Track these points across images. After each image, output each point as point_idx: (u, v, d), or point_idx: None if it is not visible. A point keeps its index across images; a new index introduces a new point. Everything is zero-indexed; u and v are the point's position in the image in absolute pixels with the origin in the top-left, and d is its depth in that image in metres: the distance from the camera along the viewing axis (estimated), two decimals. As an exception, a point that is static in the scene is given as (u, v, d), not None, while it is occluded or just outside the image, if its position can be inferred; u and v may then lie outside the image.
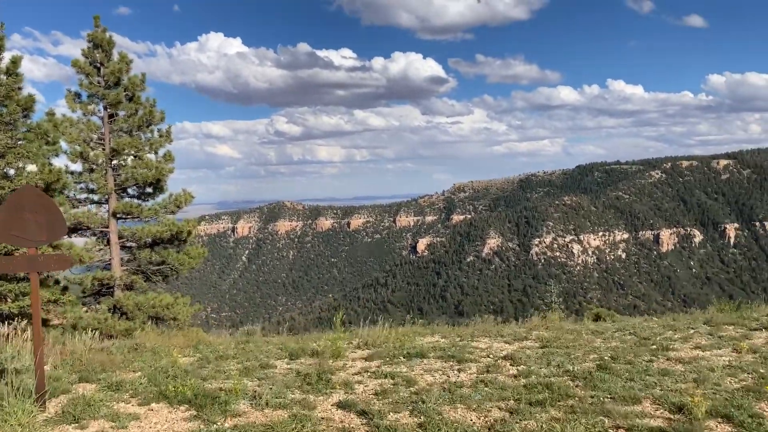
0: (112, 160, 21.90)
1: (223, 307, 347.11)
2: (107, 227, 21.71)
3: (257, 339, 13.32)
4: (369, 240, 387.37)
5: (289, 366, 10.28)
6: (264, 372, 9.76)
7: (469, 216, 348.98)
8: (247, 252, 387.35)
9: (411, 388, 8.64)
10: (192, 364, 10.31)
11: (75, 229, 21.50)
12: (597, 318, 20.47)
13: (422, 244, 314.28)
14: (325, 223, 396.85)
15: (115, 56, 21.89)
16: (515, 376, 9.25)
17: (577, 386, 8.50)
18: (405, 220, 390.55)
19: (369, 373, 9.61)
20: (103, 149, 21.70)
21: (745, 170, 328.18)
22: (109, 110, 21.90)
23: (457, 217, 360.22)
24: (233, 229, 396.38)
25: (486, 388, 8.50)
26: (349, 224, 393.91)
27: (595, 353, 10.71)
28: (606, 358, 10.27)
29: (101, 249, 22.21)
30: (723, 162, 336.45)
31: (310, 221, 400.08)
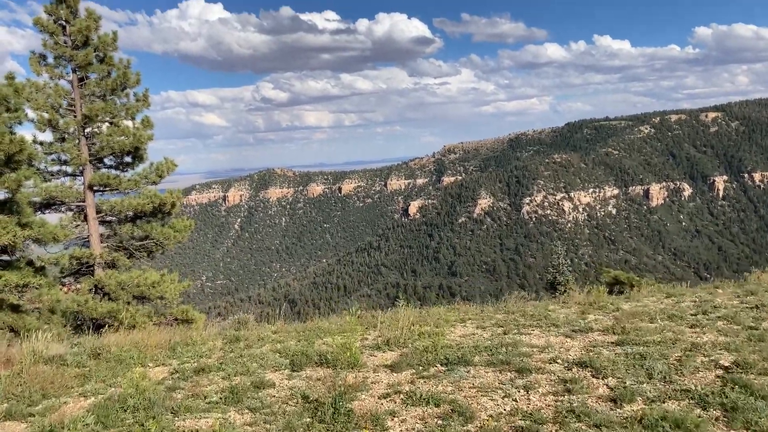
0: (84, 128, 20.04)
1: (217, 275, 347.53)
2: (83, 201, 19.99)
3: (250, 334, 11.00)
4: (361, 204, 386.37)
5: (291, 383, 7.95)
6: (258, 396, 7.36)
7: (460, 177, 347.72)
8: (239, 220, 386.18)
9: (469, 426, 6.23)
10: (163, 381, 8.00)
11: (48, 205, 19.79)
12: (615, 282, 19.14)
13: (414, 206, 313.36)
14: (317, 188, 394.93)
15: (82, 13, 19.85)
16: (613, 401, 6.82)
17: (718, 421, 5.97)
18: (396, 183, 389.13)
19: (402, 396, 7.20)
20: (75, 116, 19.81)
21: (734, 122, 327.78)
22: (78, 73, 19.94)
23: (447, 179, 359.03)
24: (224, 198, 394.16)
25: (582, 426, 5.99)
26: (340, 189, 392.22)
27: (701, 354, 8.36)
28: (725, 363, 7.81)
29: (78, 225, 20.53)
30: (711, 115, 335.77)
31: (301, 188, 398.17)
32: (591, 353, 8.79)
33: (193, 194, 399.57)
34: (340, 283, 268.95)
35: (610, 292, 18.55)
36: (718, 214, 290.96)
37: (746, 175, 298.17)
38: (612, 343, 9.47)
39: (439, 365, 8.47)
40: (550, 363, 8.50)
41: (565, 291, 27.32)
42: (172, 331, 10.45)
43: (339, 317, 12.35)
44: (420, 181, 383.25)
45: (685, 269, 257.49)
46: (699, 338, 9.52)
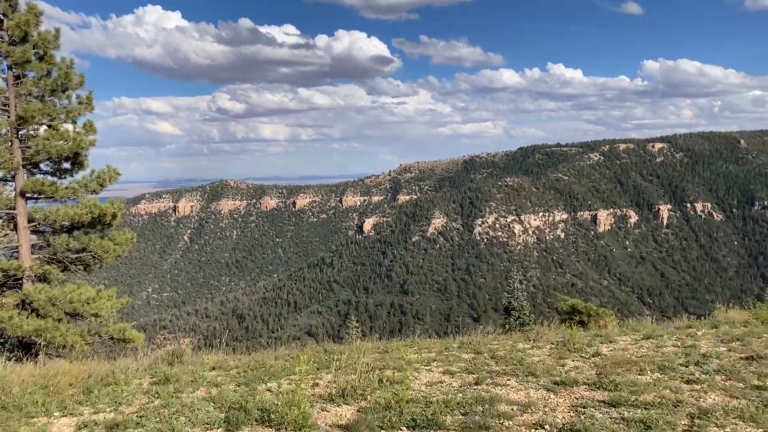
0: (18, 130, 18.55)
1: (164, 287, 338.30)
2: (14, 208, 18.46)
3: (184, 371, 9.25)
4: (315, 220, 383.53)
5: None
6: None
7: (415, 196, 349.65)
8: (189, 231, 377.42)
9: None
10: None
11: (-27, 211, 18.19)
12: (572, 311, 18.68)
13: (368, 223, 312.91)
14: (270, 202, 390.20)
15: (23, 6, 18.46)
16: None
17: None
18: (351, 200, 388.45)
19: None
20: (8, 116, 18.33)
21: (678, 154, 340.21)
22: (14, 70, 18.48)
23: (403, 198, 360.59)
24: (175, 208, 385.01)
25: None
26: (294, 204, 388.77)
27: (713, 424, 7.41)
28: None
29: (7, 234, 18.93)
30: (658, 145, 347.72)
31: (254, 200, 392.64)
32: (582, 417, 7.80)
33: (143, 203, 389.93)
34: (291, 299, 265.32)
35: (566, 321, 18.04)
36: (661, 242, 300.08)
37: (689, 205, 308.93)
38: (604, 402, 8.48)
39: (404, 428, 7.27)
40: (536, 429, 7.47)
41: (519, 317, 26.97)
42: (93, 365, 8.94)
43: (287, 349, 11.12)
44: (375, 199, 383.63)
45: (629, 294, 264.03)
46: (703, 400, 8.63)
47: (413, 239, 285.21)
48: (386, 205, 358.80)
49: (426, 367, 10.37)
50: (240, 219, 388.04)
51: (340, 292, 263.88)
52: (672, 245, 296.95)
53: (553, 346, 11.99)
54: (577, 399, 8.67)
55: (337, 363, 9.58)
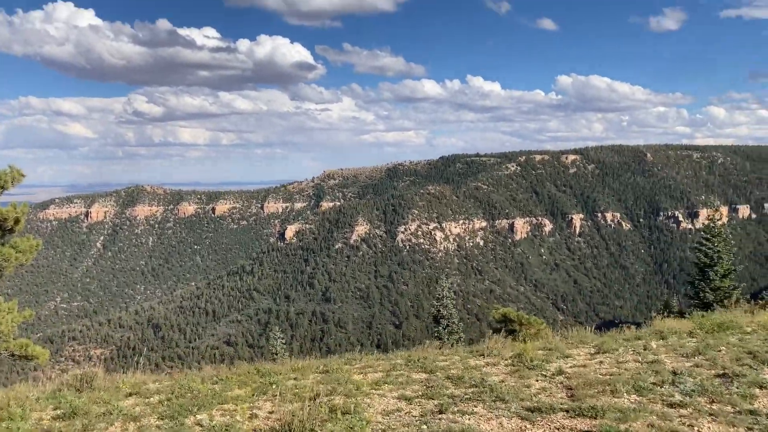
0: None
1: (74, 296, 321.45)
2: None
3: (95, 400, 7.81)
4: (235, 227, 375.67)
5: None
6: None
7: (338, 203, 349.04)
8: (102, 238, 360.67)
9: None
10: None
11: None
12: (504, 319, 18.91)
13: (291, 230, 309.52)
14: (189, 208, 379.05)
15: None
16: None
17: None
18: (273, 206, 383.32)
19: None
20: None
21: (590, 165, 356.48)
22: None
23: (326, 204, 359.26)
24: (87, 214, 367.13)
25: None
26: (214, 210, 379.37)
27: None
28: None
29: None
30: (571, 157, 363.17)
31: (171, 206, 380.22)
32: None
33: (52, 208, 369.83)
34: (209, 307, 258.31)
35: (499, 331, 18.22)
36: (574, 250, 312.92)
37: (600, 215, 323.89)
38: (592, 434, 7.62)
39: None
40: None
41: (448, 325, 27.16)
42: None
43: (214, 368, 10.24)
44: (298, 205, 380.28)
45: (544, 300, 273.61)
46: (698, 429, 8.13)
47: (336, 246, 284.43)
48: (309, 212, 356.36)
49: (377, 392, 9.48)
50: (157, 225, 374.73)
51: (261, 301, 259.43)
52: (584, 253, 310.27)
53: (507, 362, 11.49)
54: (558, 430, 7.98)
55: (274, 387, 8.60)
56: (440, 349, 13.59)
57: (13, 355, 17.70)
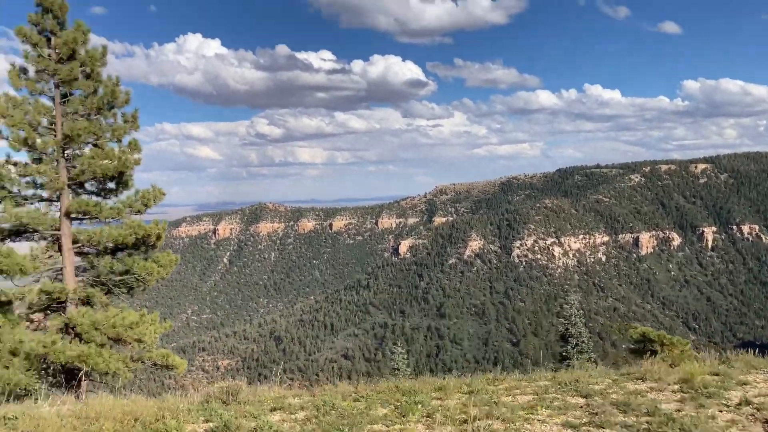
0: (65, 149, 18.20)
1: (204, 309, 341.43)
2: (59, 230, 18.02)
3: (242, 414, 7.59)
4: (351, 242, 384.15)
5: None
6: None
7: (451, 218, 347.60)
8: (228, 254, 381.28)
9: None
10: None
11: (19, 232, 17.81)
12: (643, 339, 17.25)
13: (404, 246, 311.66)
14: (307, 224, 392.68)
15: (70, 24, 18.21)
16: None
17: None
18: (387, 222, 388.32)
19: None
20: (54, 135, 17.99)
21: (723, 174, 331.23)
22: (61, 89, 18.19)
23: (439, 220, 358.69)
24: (214, 231, 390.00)
25: None
26: (331, 226, 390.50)
27: None
28: None
29: (51, 256, 18.48)
30: (701, 166, 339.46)
31: (292, 223, 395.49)
32: None
33: (184, 226, 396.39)
34: (327, 321, 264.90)
35: (638, 352, 16.59)
36: (707, 265, 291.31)
37: (735, 227, 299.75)
38: None
39: None
40: None
41: (577, 344, 25.53)
42: (139, 405, 7.63)
43: (351, 384, 9.79)
44: (411, 221, 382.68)
45: (673, 319, 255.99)
46: None
47: (450, 262, 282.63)
48: (422, 227, 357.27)
49: (535, 416, 8.62)
50: (278, 241, 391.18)
51: (377, 315, 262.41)
52: (718, 268, 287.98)
53: (674, 388, 10.21)
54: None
55: (420, 408, 8.05)
56: (569, 368, 12.30)
57: (155, 365, 18.35)
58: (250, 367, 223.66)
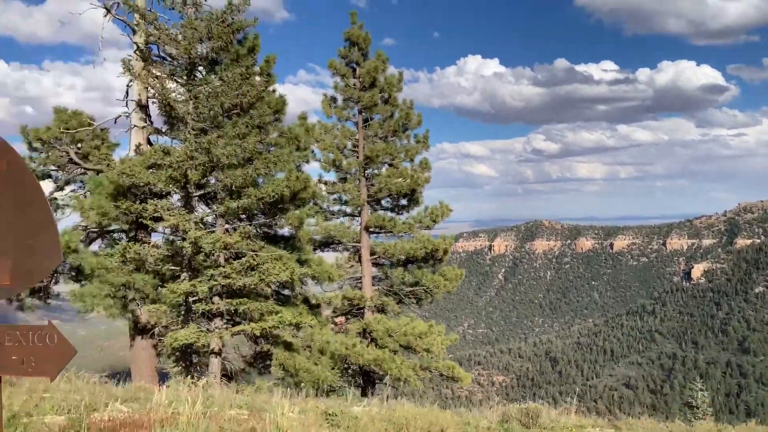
0: (365, 169, 20.04)
1: (479, 323, 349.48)
2: (359, 242, 19.83)
3: None
4: (634, 263, 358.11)
5: None
6: None
7: (758, 240, 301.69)
8: (503, 270, 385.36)
9: None
10: None
11: (326, 243, 20.02)
12: None
13: (698, 270, 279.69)
14: (586, 243, 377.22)
15: (372, 55, 20.04)
16: None
17: None
18: (677, 242, 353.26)
19: None
20: (357, 157, 19.91)
21: None
22: (363, 114, 20.12)
23: (742, 242, 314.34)
24: (490, 247, 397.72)
25: None
26: (612, 245, 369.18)
27: None
28: None
29: (352, 266, 20.42)
30: None
31: (569, 241, 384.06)
32: None
33: (461, 241, 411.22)
34: (607, 346, 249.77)
35: None
36: None
37: None
38: None
39: None
40: None
41: None
42: (440, 415, 7.65)
43: (660, 421, 8.78)
44: (706, 242, 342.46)
45: None
46: None
47: (756, 290, 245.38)
48: (720, 249, 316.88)
49: None
50: (554, 260, 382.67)
51: (663, 344, 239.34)
52: None
53: None
54: None
55: None
56: None
57: (441, 375, 18.97)
58: (524, 386, 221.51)
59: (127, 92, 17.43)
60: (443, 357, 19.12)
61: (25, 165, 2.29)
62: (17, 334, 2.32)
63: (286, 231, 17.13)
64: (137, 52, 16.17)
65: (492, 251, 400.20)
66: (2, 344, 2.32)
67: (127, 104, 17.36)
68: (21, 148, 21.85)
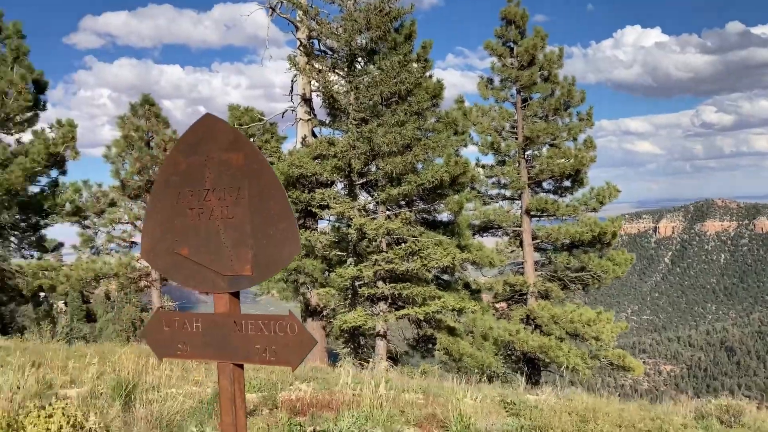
0: (525, 151, 19.42)
1: (643, 310, 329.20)
2: (519, 226, 19.31)
3: None
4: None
5: None
6: None
7: None
8: (669, 253, 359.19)
9: None
10: None
11: (485, 228, 19.72)
12: None
13: None
14: (766, 223, 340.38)
15: (530, 32, 19.33)
16: None
17: None
18: None
19: None
20: (516, 138, 19.35)
21: None
22: (522, 94, 19.47)
23: None
24: (654, 229, 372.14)
25: None
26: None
27: None
28: None
29: (513, 251, 19.94)
30: None
31: (746, 221, 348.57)
32: None
33: (623, 224, 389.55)
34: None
35: None
36: None
37: None
38: None
39: None
40: None
41: None
42: (631, 409, 6.98)
43: None
44: None
45: None
46: None
47: None
48: None
49: None
50: (729, 241, 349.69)
51: None
52: None
53: None
54: None
55: None
56: None
57: (611, 364, 18.02)
58: (696, 377, 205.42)
59: (291, 87, 18.29)
60: (613, 345, 18.13)
61: (263, 157, 2.34)
62: (259, 323, 2.42)
63: (444, 216, 17.12)
64: (300, 47, 16.87)
65: (657, 233, 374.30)
66: (246, 333, 2.42)
67: (292, 99, 18.21)
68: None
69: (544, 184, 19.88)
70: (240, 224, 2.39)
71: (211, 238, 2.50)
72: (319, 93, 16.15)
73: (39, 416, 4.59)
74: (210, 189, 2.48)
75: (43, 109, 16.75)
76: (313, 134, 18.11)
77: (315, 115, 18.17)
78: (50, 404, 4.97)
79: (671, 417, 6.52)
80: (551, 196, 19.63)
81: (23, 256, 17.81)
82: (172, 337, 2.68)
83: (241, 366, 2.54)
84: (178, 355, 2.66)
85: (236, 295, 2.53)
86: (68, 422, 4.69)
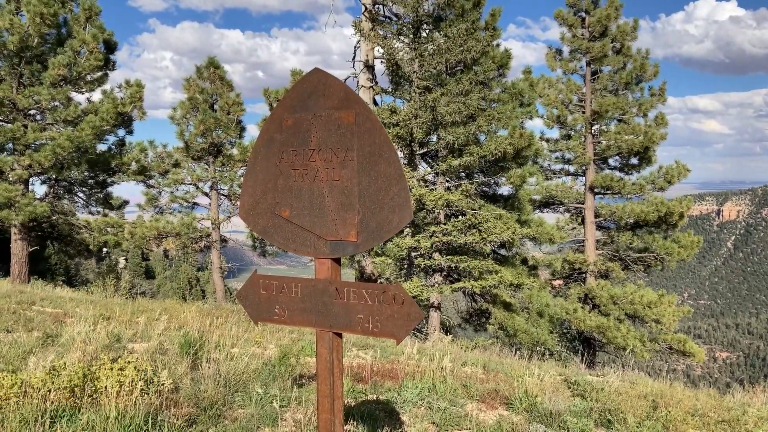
0: (592, 125, 18.76)
1: (701, 294, 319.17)
2: (582, 203, 18.79)
3: None
4: None
5: None
6: None
7: None
8: (733, 237, 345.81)
9: None
10: None
11: (546, 204, 19.27)
12: None
13: None
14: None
15: (603, 2, 18.50)
16: None
17: None
18: None
19: None
20: (583, 112, 18.70)
21: None
22: (591, 66, 18.74)
23: None
24: (718, 212, 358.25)
25: None
26: None
27: None
28: None
29: (574, 228, 19.45)
30: None
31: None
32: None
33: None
34: None
35: None
36: None
37: None
38: None
39: None
40: None
41: None
42: (703, 397, 6.59)
43: None
44: None
45: None
46: None
47: None
48: None
49: None
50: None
51: None
52: None
53: None
54: None
55: None
56: None
57: (670, 348, 17.51)
58: (753, 365, 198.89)
59: (354, 53, 18.11)
60: (674, 329, 17.59)
61: (375, 117, 2.22)
62: (363, 291, 2.33)
63: (505, 190, 16.80)
64: (365, 13, 16.63)
65: (720, 216, 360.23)
66: (348, 302, 2.35)
67: (354, 65, 18.04)
68: (263, 108, 24.08)
69: (610, 161, 19.21)
70: (347, 187, 2.29)
71: (314, 201, 2.43)
72: (382, 60, 15.93)
73: (112, 369, 4.71)
74: (315, 149, 2.40)
75: (113, 69, 17.09)
76: (375, 102, 17.94)
77: (377, 82, 17.97)
78: (121, 357, 5.11)
79: (745, 407, 6.21)
80: (617, 173, 18.98)
81: (90, 213, 18.42)
82: (269, 300, 2.65)
83: (340, 335, 2.48)
84: (275, 320, 2.61)
85: (338, 261, 2.45)
86: (140, 377, 4.80)
